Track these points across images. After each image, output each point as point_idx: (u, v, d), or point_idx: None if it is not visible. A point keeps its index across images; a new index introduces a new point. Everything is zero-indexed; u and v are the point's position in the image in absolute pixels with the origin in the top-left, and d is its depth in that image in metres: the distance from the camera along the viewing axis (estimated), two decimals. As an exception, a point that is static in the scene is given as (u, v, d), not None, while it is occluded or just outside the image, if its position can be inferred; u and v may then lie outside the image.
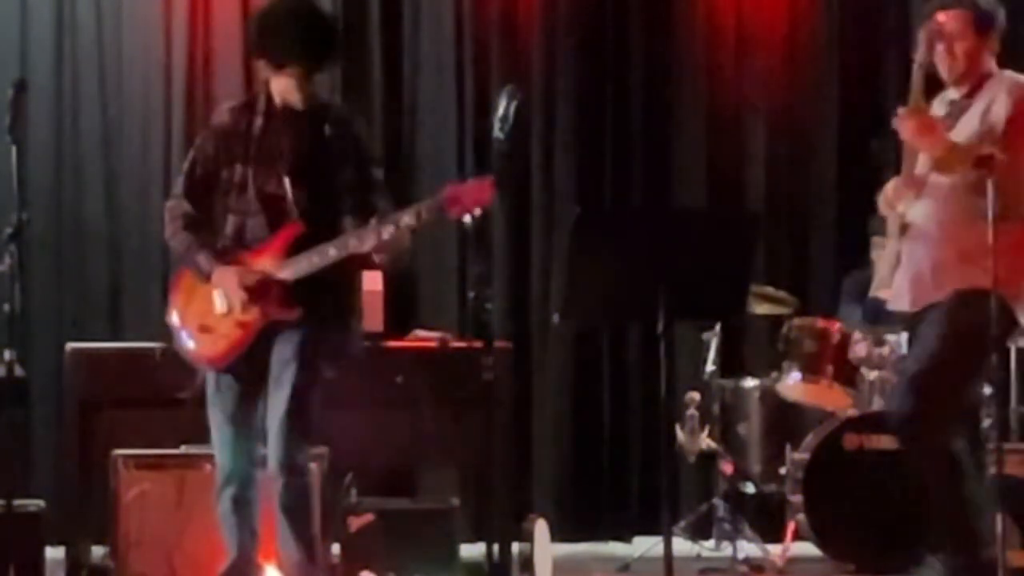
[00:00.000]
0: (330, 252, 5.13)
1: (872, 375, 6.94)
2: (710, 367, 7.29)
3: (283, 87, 5.26)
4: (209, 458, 5.58)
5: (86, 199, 7.84)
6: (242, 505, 5.31)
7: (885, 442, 6.47)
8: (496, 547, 5.61)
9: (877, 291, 5.71)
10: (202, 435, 5.48)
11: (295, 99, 5.25)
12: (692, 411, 7.11)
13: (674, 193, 8.18)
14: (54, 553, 6.36)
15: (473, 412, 6.29)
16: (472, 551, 6.48)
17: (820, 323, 7.09)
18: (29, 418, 6.43)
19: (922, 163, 5.48)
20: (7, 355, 5.59)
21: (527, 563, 6.12)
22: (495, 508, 6.03)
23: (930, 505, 5.48)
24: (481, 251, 5.65)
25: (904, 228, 5.53)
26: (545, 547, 6.26)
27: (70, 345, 6.57)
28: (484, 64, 8.11)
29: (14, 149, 5.33)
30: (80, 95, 7.86)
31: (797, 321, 7.15)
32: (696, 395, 7.15)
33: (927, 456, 5.38)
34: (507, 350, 6.50)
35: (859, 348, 6.98)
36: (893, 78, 7.96)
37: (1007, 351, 6.93)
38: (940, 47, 5.44)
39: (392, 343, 6.62)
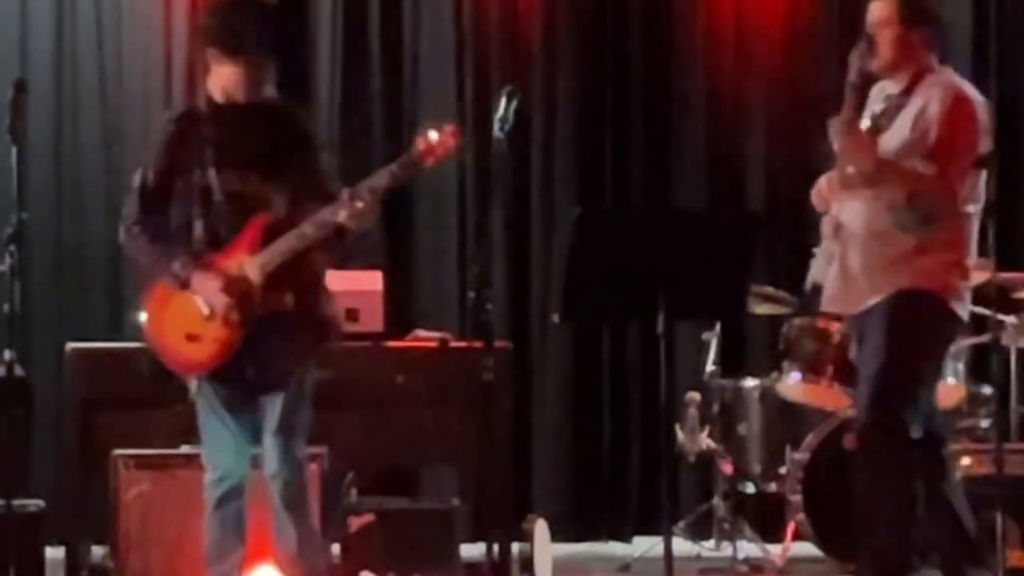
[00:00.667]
0: (307, 231, 5.05)
1: (872, 375, 6.94)
2: (710, 367, 7.29)
3: (228, 80, 5.14)
4: (209, 458, 5.57)
5: (86, 199, 7.84)
6: (236, 505, 5.25)
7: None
8: (496, 547, 5.61)
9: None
10: (202, 435, 5.48)
11: (240, 93, 5.15)
12: (692, 411, 7.11)
13: (674, 193, 8.18)
14: (54, 553, 6.36)
15: (473, 412, 6.28)
16: (472, 551, 6.48)
17: (820, 323, 7.07)
18: (29, 418, 6.41)
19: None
20: (7, 355, 5.58)
21: (527, 563, 6.13)
22: (495, 508, 6.03)
23: (862, 507, 5.48)
24: (481, 251, 5.65)
25: (837, 228, 5.54)
26: (545, 547, 6.26)
27: (70, 345, 6.56)
28: (484, 64, 8.11)
29: (14, 149, 5.32)
30: (80, 95, 7.86)
31: (797, 321, 7.14)
32: (696, 395, 7.15)
33: (886, 464, 5.38)
34: (507, 350, 6.49)
35: (859, 348, 6.97)
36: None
37: (1006, 351, 6.92)
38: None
39: (392, 343, 6.61)
